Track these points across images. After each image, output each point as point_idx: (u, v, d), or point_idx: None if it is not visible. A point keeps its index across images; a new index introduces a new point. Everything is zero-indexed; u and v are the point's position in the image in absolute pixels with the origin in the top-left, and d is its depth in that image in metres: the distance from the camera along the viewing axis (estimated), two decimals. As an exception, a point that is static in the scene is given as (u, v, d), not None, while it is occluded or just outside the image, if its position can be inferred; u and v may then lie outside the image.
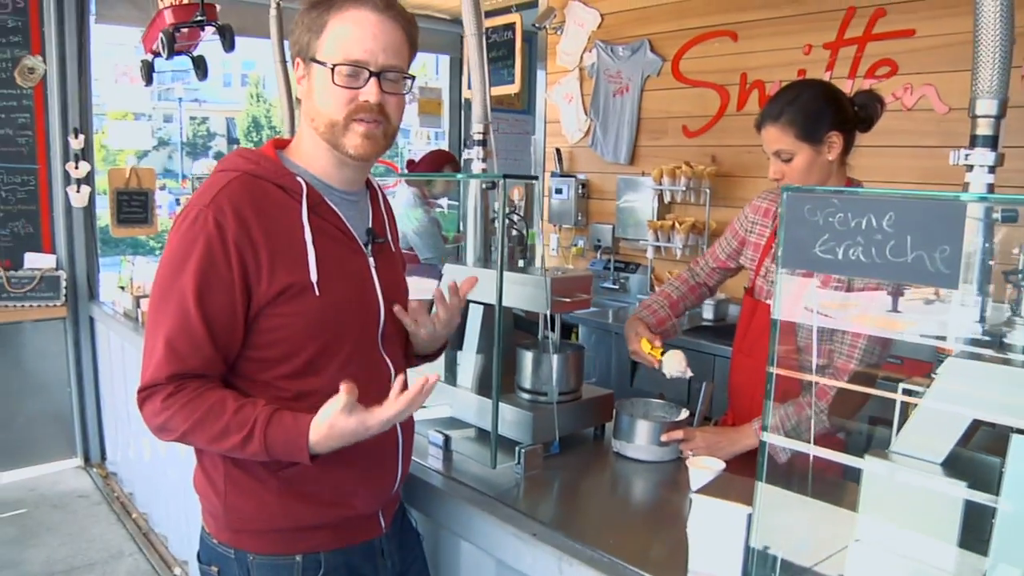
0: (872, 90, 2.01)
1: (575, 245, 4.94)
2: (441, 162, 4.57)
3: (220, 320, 1.30)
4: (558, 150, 5.03)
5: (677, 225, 4.15)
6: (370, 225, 1.51)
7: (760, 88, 3.90)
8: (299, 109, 1.46)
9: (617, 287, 4.63)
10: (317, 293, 1.35)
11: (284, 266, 1.33)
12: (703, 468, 1.65)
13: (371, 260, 1.48)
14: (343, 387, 1.25)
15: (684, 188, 4.14)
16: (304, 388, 1.38)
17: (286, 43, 3.02)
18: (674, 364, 1.97)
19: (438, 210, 4.62)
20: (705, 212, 4.13)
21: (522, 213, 2.08)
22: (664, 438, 1.89)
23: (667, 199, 4.31)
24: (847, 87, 3.49)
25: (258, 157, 1.39)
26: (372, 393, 1.44)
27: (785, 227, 1.12)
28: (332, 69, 1.33)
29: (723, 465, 1.66)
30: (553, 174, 5.04)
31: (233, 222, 1.29)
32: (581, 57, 4.86)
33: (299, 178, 1.38)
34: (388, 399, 1.29)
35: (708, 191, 4.10)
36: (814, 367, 1.57)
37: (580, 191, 4.88)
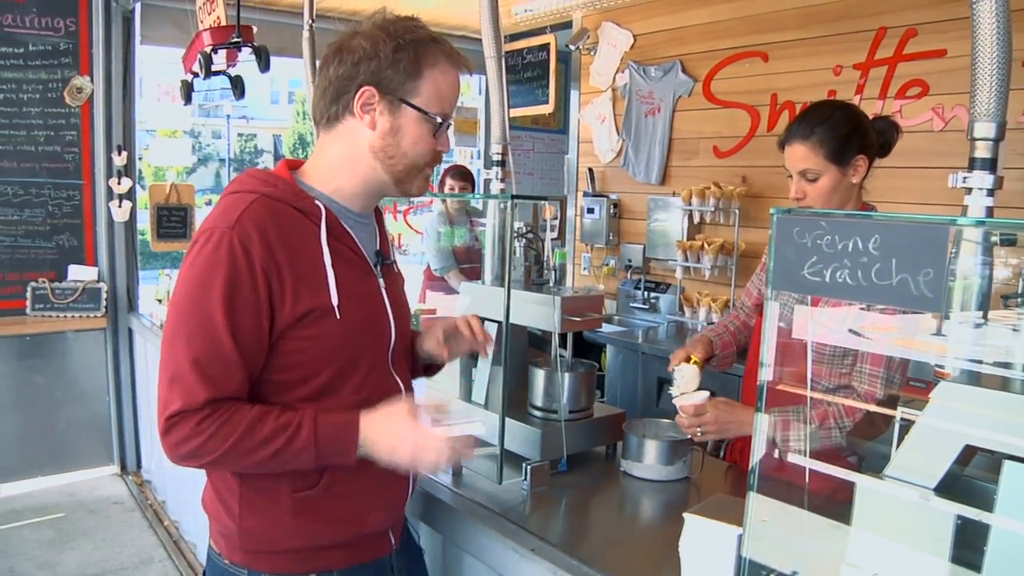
0: (889, 117, 2.01)
1: (606, 265, 4.94)
2: (443, 175, 4.65)
3: (248, 343, 1.29)
4: (590, 170, 5.05)
5: (706, 246, 4.13)
6: (378, 247, 1.52)
7: (790, 109, 3.88)
8: (324, 128, 1.43)
9: (647, 307, 4.62)
10: (339, 316, 1.35)
11: (307, 289, 1.32)
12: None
13: (381, 281, 1.49)
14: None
15: (714, 208, 4.13)
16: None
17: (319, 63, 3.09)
18: (684, 380, 1.97)
19: (480, 228, 4.66)
20: (735, 233, 4.12)
21: (556, 233, 2.11)
22: (684, 419, 1.91)
23: (697, 219, 4.30)
24: (877, 108, 3.47)
25: (274, 179, 1.38)
26: None
27: (775, 249, 1.12)
28: (440, 124, 1.40)
29: (707, 395, 1.86)
30: (585, 194, 5.05)
31: (259, 245, 1.28)
32: (614, 78, 4.89)
33: (317, 201, 1.38)
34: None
35: (738, 212, 4.09)
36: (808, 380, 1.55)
37: (612, 211, 4.89)
